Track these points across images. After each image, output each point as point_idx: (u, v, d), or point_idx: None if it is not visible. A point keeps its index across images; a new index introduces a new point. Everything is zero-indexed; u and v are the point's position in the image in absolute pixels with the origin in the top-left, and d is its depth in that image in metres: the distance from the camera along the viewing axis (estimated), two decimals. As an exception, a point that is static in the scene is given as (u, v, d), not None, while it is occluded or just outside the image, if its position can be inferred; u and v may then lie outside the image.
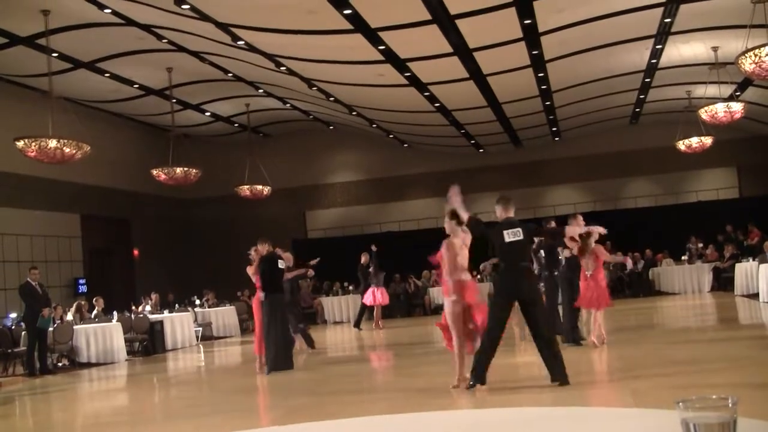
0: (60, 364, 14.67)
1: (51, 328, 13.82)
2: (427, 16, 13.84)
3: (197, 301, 20.99)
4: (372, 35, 14.88)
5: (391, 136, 26.11)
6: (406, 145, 27.54)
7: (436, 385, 8.07)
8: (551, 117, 23.02)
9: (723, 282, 20.11)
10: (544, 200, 27.06)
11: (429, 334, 16.46)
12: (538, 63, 17.29)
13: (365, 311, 18.42)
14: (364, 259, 17.76)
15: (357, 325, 18.10)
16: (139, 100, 21.34)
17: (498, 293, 7.31)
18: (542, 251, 11.82)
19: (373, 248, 17.66)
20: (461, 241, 7.52)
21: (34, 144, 13.93)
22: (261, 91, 21.44)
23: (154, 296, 19.47)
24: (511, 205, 7.42)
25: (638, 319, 14.52)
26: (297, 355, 12.59)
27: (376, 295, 17.60)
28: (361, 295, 18.19)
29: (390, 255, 19.61)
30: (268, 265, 10.80)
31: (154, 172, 18.54)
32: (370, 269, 17.67)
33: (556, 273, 11.47)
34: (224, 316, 20.32)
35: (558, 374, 7.02)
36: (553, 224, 11.66)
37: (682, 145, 20.98)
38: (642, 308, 16.96)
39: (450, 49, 15.89)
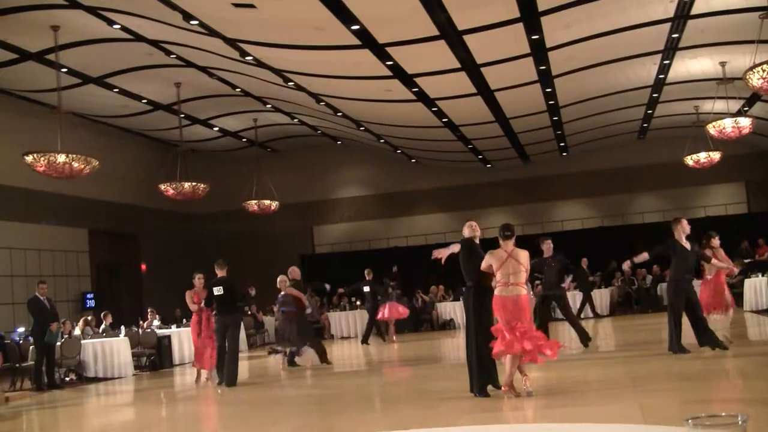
0: (67, 379, 14.66)
1: (59, 343, 13.84)
2: (435, 32, 13.87)
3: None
4: (379, 51, 14.91)
5: (398, 151, 26.14)
6: (413, 161, 27.56)
7: (443, 401, 8.03)
8: (559, 132, 23.01)
9: (732, 298, 19.94)
10: (552, 215, 27.03)
11: (437, 348, 16.41)
12: (545, 78, 17.29)
13: (376, 326, 18.70)
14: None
15: (365, 340, 18.13)
16: (147, 115, 21.43)
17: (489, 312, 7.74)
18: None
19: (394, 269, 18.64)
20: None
21: (43, 159, 13.99)
22: (269, 106, 21.50)
23: (151, 312, 19.36)
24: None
25: (647, 334, 14.45)
26: (304, 371, 12.61)
27: (383, 311, 17.88)
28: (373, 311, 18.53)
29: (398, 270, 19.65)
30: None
31: (162, 187, 18.56)
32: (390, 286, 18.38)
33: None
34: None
35: None
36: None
37: (690, 161, 20.93)
38: (650, 323, 16.85)
39: (457, 65, 15.91)
